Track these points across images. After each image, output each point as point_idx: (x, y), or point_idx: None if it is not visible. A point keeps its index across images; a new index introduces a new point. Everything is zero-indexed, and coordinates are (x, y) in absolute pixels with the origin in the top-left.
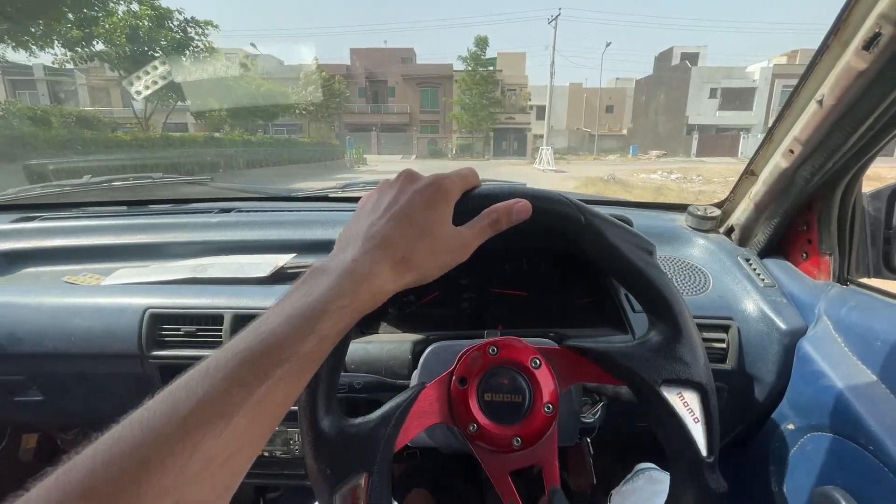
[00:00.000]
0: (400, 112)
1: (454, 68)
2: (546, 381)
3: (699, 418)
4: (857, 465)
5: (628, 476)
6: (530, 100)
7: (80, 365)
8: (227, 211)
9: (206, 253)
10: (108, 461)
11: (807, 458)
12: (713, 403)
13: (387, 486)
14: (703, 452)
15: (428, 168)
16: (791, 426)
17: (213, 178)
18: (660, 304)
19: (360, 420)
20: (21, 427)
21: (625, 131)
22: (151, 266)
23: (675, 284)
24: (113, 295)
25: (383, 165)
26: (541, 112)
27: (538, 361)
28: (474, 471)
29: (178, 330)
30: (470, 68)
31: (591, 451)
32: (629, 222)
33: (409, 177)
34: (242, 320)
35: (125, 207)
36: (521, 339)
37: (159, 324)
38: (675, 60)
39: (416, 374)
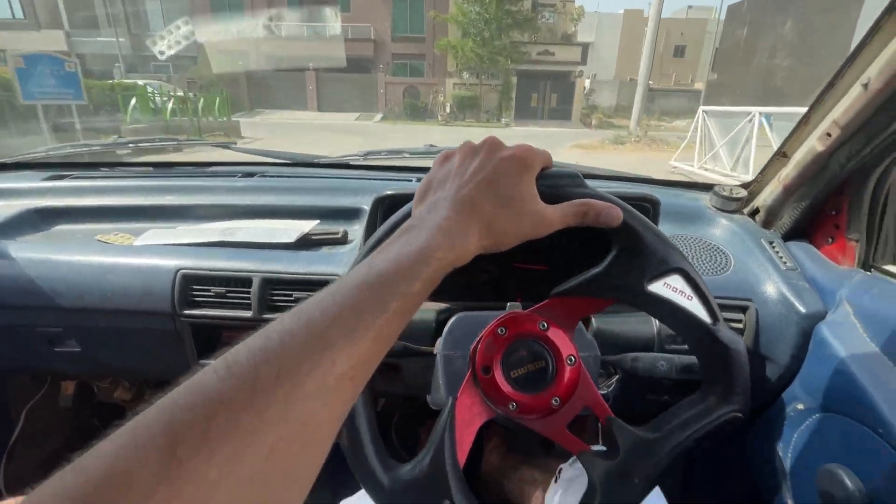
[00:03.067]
0: (357, 39)
1: None
2: (559, 338)
3: (691, 295)
4: (864, 446)
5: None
6: (579, 20)
7: (116, 320)
8: (251, 175)
9: (231, 216)
10: (267, 360)
11: (814, 437)
12: (698, 279)
13: (470, 498)
14: (707, 320)
15: (406, 136)
16: (800, 406)
17: (235, 142)
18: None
19: (414, 464)
20: (60, 375)
21: (699, 85)
22: (180, 228)
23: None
24: (146, 255)
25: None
26: (585, 53)
27: (545, 324)
28: None
29: (209, 291)
30: None
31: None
32: (656, 202)
33: (494, 143)
34: (270, 284)
35: (151, 168)
36: (521, 310)
37: (190, 284)
38: None
39: (440, 341)
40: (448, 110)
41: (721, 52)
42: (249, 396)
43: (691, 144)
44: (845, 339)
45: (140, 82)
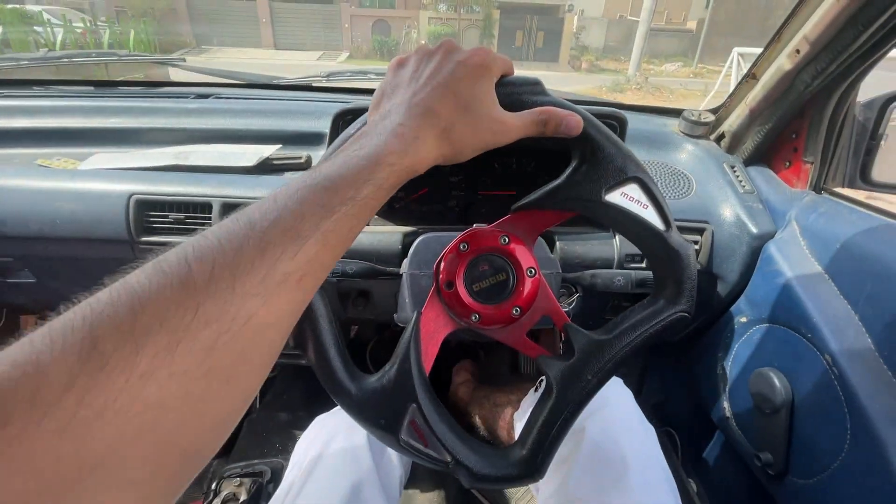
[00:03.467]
0: None
1: None
2: (520, 251)
3: (647, 204)
4: (795, 351)
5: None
6: None
7: (70, 248)
8: (205, 97)
9: (185, 141)
10: (200, 258)
11: (751, 346)
12: (654, 188)
13: (436, 402)
14: (661, 227)
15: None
16: (743, 319)
17: (185, 59)
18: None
19: (381, 374)
20: (17, 309)
21: (691, 24)
22: (130, 152)
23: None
24: (94, 180)
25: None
26: None
27: (506, 238)
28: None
29: (167, 217)
30: None
31: (563, 336)
32: (623, 120)
33: (450, 46)
34: (231, 209)
35: (92, 88)
36: (483, 225)
37: (145, 210)
38: None
39: (406, 262)
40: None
41: None
42: (179, 292)
43: (720, 91)
44: (789, 256)
45: (41, 9)
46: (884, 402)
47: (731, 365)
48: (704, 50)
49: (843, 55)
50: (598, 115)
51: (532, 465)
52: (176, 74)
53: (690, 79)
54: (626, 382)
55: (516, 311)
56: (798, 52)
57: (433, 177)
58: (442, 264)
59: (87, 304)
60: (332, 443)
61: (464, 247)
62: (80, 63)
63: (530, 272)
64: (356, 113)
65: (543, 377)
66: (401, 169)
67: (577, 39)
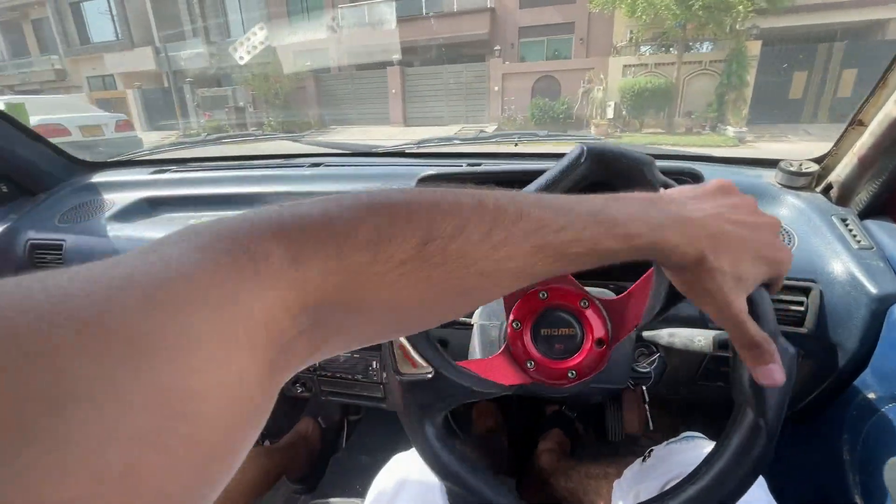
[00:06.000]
0: (465, 11)
1: None
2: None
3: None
4: None
5: (673, 438)
6: None
7: None
8: (317, 165)
9: None
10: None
11: (885, 429)
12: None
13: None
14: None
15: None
16: (872, 395)
17: (304, 135)
18: None
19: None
20: None
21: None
22: None
23: None
24: None
25: None
26: None
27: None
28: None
29: None
30: None
31: (647, 399)
32: (698, 176)
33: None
34: None
35: (234, 162)
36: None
37: None
38: None
39: (477, 312)
40: (611, 114)
41: None
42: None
43: None
44: None
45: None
46: None
47: (861, 451)
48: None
49: None
50: (672, 172)
51: None
52: (294, 147)
53: None
54: None
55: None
56: None
57: None
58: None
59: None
60: (407, 481)
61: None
62: (228, 142)
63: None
64: (437, 178)
65: (652, 448)
66: (630, 253)
67: None
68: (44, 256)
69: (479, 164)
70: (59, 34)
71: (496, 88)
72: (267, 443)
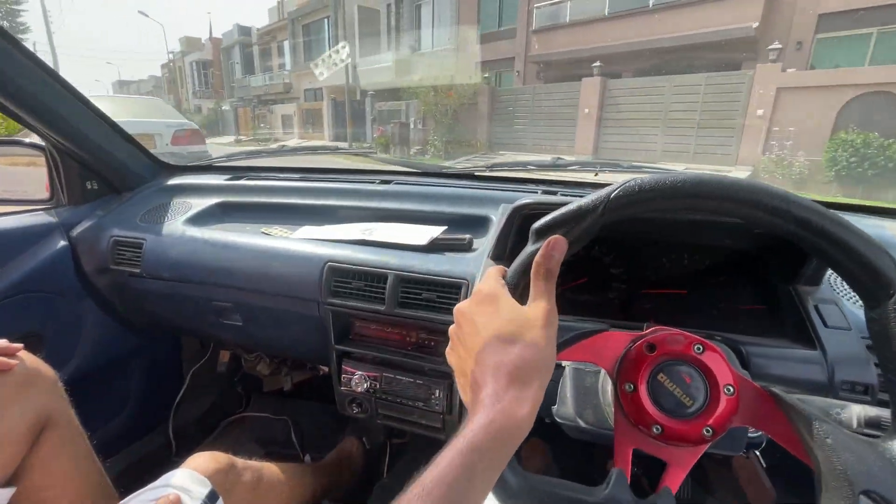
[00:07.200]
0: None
1: None
2: (717, 364)
3: None
4: None
5: None
6: None
7: (273, 301)
8: (387, 182)
9: (370, 218)
10: None
11: None
12: None
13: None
14: None
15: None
16: None
17: (376, 151)
18: None
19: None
20: (221, 344)
21: None
22: (328, 226)
23: None
24: (302, 247)
25: None
26: None
27: (701, 347)
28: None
29: (350, 283)
30: None
31: (763, 465)
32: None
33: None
34: (403, 281)
35: (307, 173)
36: (673, 329)
37: (335, 276)
38: None
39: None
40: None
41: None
42: None
43: None
44: None
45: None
46: None
47: None
48: None
49: None
50: None
51: None
52: (365, 162)
53: None
54: None
55: (708, 431)
56: None
57: (593, 267)
58: (623, 363)
59: None
60: None
61: (649, 349)
62: (302, 152)
63: (728, 390)
64: (532, 208)
65: None
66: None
67: None
68: (124, 253)
69: (554, 193)
70: (290, 53)
71: (760, 112)
72: (308, 458)
